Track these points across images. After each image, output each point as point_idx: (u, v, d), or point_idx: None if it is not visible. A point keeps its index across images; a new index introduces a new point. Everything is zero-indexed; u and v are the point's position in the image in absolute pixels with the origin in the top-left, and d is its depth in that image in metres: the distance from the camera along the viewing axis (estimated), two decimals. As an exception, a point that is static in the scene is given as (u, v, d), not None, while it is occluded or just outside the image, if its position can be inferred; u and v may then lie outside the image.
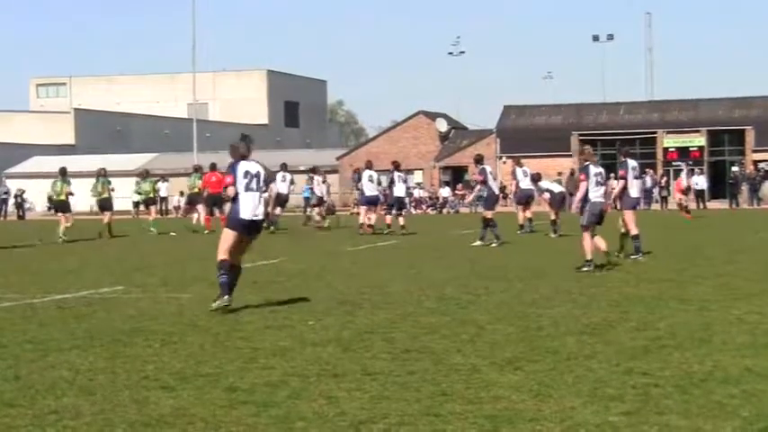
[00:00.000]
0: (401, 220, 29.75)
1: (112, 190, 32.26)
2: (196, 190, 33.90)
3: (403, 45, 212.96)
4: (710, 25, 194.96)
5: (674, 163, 64.61)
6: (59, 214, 29.80)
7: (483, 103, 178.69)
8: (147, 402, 7.22)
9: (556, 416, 6.64)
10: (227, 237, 12.21)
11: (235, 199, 12.14)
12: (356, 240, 26.57)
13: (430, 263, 18.99)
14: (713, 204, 58.04)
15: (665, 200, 58.30)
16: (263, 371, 8.26)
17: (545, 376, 7.84)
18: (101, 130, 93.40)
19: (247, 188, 12.14)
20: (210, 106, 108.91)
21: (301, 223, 37.12)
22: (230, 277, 12.03)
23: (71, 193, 29.95)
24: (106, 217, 31.65)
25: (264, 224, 12.81)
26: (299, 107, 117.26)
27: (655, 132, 67.01)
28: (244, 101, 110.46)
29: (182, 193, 60.83)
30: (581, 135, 68.16)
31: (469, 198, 25.86)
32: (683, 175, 44.90)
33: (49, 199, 30.22)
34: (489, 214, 24.09)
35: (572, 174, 61.01)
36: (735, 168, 62.43)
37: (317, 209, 36.36)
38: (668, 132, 67.19)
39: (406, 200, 31.18)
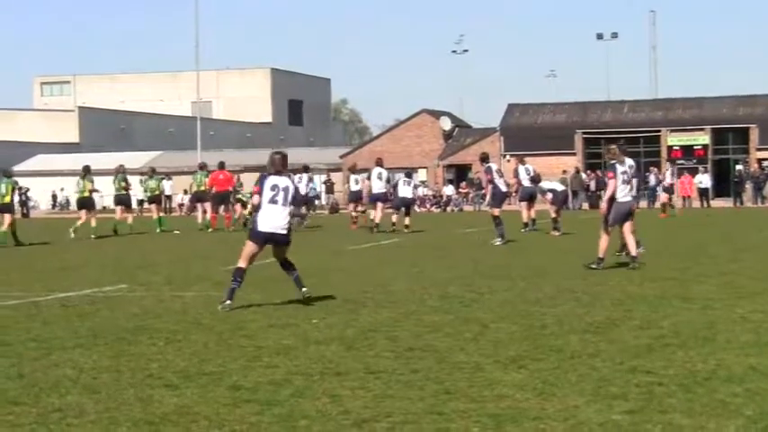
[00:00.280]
0: (407, 220, 29.84)
1: (127, 188, 32.65)
2: (203, 188, 33.95)
3: (406, 43, 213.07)
4: (715, 23, 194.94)
5: (677, 162, 64.60)
6: (82, 211, 30.03)
7: (487, 101, 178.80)
8: (151, 400, 7.23)
9: (559, 414, 6.64)
10: (247, 246, 12.35)
11: (258, 210, 12.23)
12: (359, 239, 26.57)
13: (433, 261, 18.99)
14: (717, 203, 57.99)
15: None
16: (266, 369, 8.27)
17: (549, 375, 7.85)
18: (105, 129, 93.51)
19: (271, 201, 12.19)
20: (214, 104, 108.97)
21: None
22: (237, 283, 12.12)
23: (95, 190, 30.24)
24: (124, 215, 32.25)
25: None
26: (302, 105, 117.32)
27: (659, 131, 66.92)
28: (247, 99, 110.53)
29: (185, 191, 60.97)
30: (585, 133, 68.13)
31: (488, 198, 25.84)
32: (668, 173, 44.93)
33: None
34: (497, 212, 24.12)
35: (577, 172, 61.13)
36: (739, 167, 62.37)
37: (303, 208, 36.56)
38: (672, 131, 67.09)
39: (411, 198, 31.44)
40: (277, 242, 12.36)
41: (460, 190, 65.22)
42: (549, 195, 28.43)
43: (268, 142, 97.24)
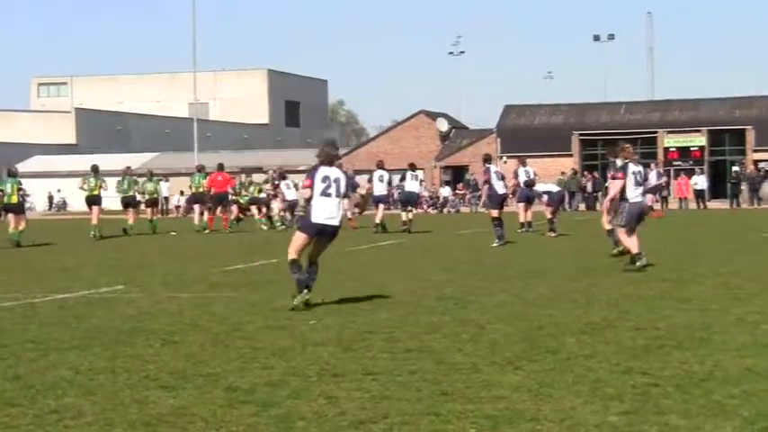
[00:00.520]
0: (409, 215, 30.17)
1: (137, 191, 33.31)
2: (201, 189, 34.05)
3: (404, 45, 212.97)
4: (711, 25, 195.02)
5: (676, 163, 64.64)
6: (93, 208, 30.32)
7: (484, 102, 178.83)
8: (148, 402, 7.23)
9: (556, 415, 6.64)
10: (297, 238, 12.28)
11: (309, 202, 12.22)
12: (357, 240, 26.57)
13: (430, 262, 18.99)
14: (713, 204, 58.04)
15: (665, 200, 58.28)
16: (263, 370, 8.27)
17: (545, 376, 7.85)
18: (101, 130, 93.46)
19: (323, 193, 12.13)
20: (211, 106, 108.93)
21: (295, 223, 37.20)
22: (306, 274, 12.07)
23: (103, 188, 30.52)
24: (129, 215, 32.56)
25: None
26: (299, 107, 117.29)
27: (655, 132, 66.98)
28: (244, 100, 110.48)
29: (182, 193, 60.92)
30: (582, 135, 68.19)
31: (483, 198, 26.08)
32: (652, 175, 44.91)
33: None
34: (495, 213, 24.19)
35: (574, 173, 61.13)
36: (736, 168, 62.44)
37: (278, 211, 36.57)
38: (669, 132, 67.17)
39: (417, 193, 32.02)
40: (327, 234, 12.29)
41: (457, 191, 65.25)
42: (545, 197, 28.51)
43: (265, 144, 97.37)
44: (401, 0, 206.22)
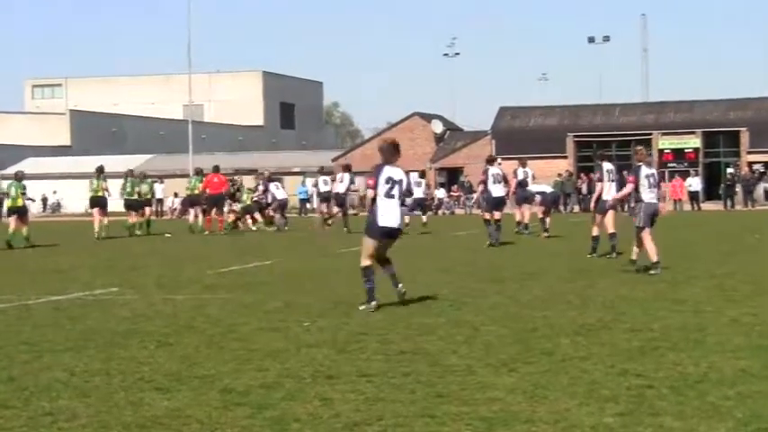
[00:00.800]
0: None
1: (146, 191, 33.84)
2: (196, 192, 34.27)
3: (398, 46, 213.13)
4: (705, 27, 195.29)
5: (671, 165, 64.70)
6: (95, 209, 30.41)
7: (478, 104, 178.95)
8: (143, 404, 7.22)
9: (550, 417, 6.64)
10: (368, 244, 12.16)
11: (374, 203, 12.04)
12: (351, 242, 26.54)
13: (425, 264, 18.97)
14: (708, 206, 58.10)
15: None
16: (257, 372, 8.26)
17: (540, 378, 7.85)
18: (96, 132, 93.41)
19: (388, 194, 12.01)
20: (206, 107, 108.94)
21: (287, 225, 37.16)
22: (373, 283, 12.02)
23: (107, 190, 30.61)
24: (134, 217, 33.04)
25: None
26: (294, 109, 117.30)
27: (650, 134, 67.03)
28: (239, 102, 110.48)
29: (176, 194, 60.89)
30: (576, 136, 68.25)
31: (477, 197, 26.19)
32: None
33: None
34: (487, 215, 24.28)
35: (570, 175, 61.16)
36: (730, 170, 62.51)
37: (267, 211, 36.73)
38: (663, 134, 67.24)
39: (423, 198, 32.62)
40: (393, 237, 12.23)
41: (452, 193, 65.25)
42: (538, 198, 28.66)
43: (260, 145, 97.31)
44: (396, 2, 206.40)
